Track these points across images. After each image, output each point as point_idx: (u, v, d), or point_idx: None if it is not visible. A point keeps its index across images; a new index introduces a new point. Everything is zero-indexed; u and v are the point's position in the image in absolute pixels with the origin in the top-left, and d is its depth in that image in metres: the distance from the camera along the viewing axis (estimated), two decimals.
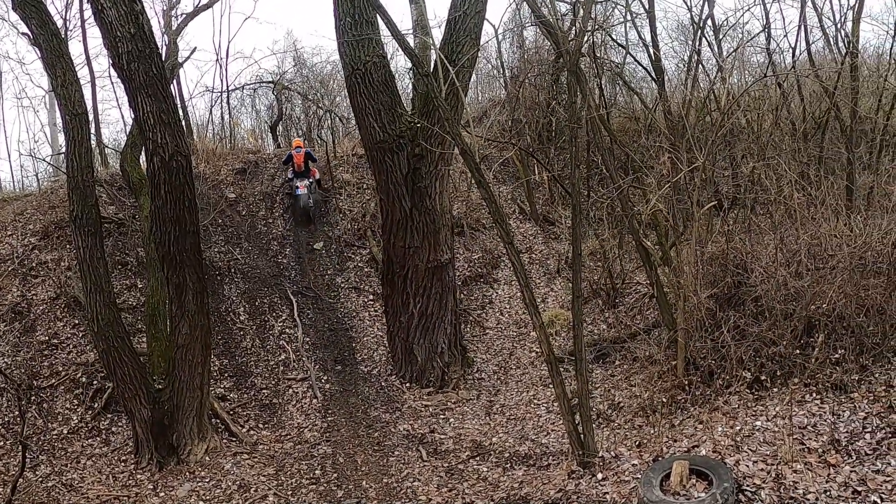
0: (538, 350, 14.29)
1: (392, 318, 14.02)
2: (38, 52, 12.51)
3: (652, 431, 9.89)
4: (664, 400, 10.58)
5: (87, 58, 22.84)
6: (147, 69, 10.54)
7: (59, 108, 12.02)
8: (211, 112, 26.27)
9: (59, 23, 19.84)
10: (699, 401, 10.17)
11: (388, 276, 13.98)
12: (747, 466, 7.86)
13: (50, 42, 11.64)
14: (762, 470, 7.78)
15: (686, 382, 10.56)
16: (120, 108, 32.93)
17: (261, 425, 12.86)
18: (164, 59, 13.04)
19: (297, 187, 18.84)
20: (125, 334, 11.66)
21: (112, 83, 24.78)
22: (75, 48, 24.91)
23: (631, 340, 13.09)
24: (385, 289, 14.27)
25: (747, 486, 7.62)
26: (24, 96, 41.63)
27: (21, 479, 10.34)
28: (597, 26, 16.39)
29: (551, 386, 12.51)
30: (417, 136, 12.85)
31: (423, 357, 13.53)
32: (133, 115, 11.10)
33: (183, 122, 11.91)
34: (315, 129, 26.12)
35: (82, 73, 17.03)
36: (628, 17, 17.62)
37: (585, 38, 12.39)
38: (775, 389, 9.44)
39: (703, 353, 10.49)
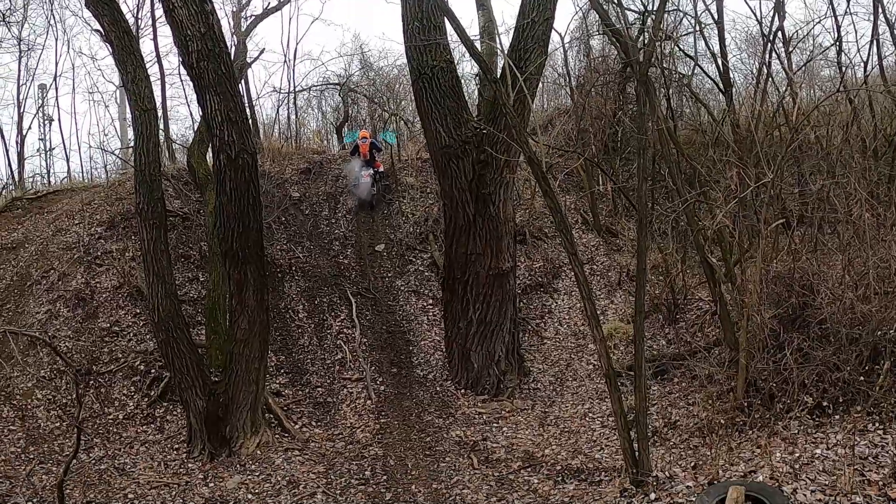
0: (596, 363, 14.08)
1: (450, 324, 13.91)
2: (109, 48, 12.65)
3: (708, 453, 9.59)
4: (722, 421, 10.30)
5: (158, 55, 23.21)
6: (216, 68, 10.62)
7: (128, 104, 12.20)
8: (278, 112, 26.41)
9: (131, 20, 20.25)
10: (758, 424, 9.85)
11: (448, 281, 13.88)
12: (805, 496, 7.58)
13: (121, 39, 11.82)
14: (820, 500, 7.49)
15: (745, 404, 10.25)
16: (188, 105, 33.37)
17: (314, 423, 12.85)
18: (232, 58, 13.14)
19: (361, 175, 19.16)
20: (184, 326, 11.77)
21: (181, 80, 25.11)
22: (146, 46, 25.24)
23: (690, 358, 12.68)
24: (445, 294, 14.17)
25: None
26: (95, 91, 42.53)
27: (74, 461, 10.42)
28: (665, 36, 16.09)
29: (607, 400, 12.22)
30: (483, 142, 12.75)
31: (479, 364, 13.39)
32: (201, 113, 11.22)
33: (250, 121, 11.99)
34: (380, 132, 26.12)
35: (152, 71, 17.40)
36: (697, 28, 17.25)
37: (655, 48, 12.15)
38: (837, 417, 9.11)
39: (765, 374, 10.15)
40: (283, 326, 15.56)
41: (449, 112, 12.89)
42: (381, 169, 19.84)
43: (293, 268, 17.25)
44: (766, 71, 16.76)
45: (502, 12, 59.50)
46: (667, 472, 8.99)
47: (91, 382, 13.64)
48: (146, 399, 13.42)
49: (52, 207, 19.13)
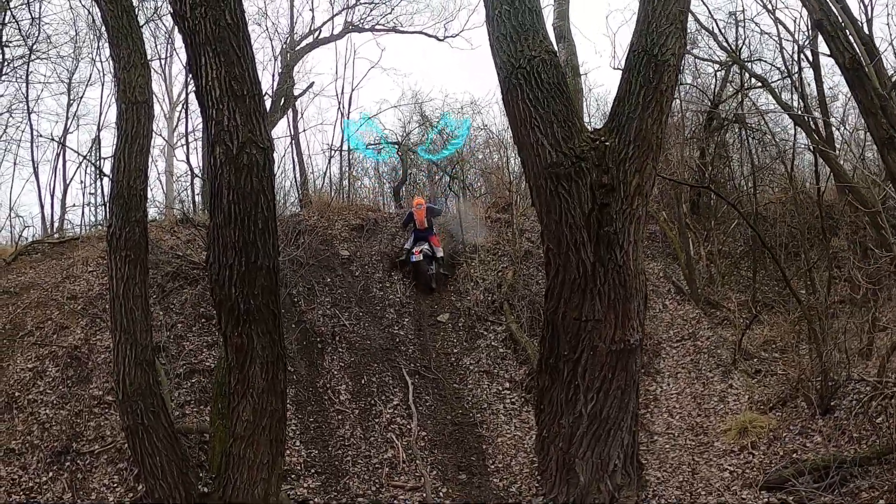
0: (732, 468, 9.77)
1: (548, 420, 9.09)
2: (106, 34, 9.23)
3: None
4: None
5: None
6: (217, 17, 6.46)
7: (116, 96, 8.69)
8: (329, 163, 22.79)
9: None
10: None
11: (548, 359, 9.05)
12: None
13: (119, 19, 8.63)
14: None
15: None
16: None
17: None
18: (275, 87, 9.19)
19: (413, 253, 15.07)
20: (163, 409, 7.65)
21: None
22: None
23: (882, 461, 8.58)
24: (542, 378, 9.33)
25: None
26: None
27: None
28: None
29: None
30: (606, 158, 8.24)
31: (587, 476, 8.58)
32: (195, 88, 6.91)
33: (265, 104, 7.83)
34: (441, 196, 22.97)
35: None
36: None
37: None
38: None
39: None
40: (318, 410, 11.46)
41: (556, 117, 8.39)
42: (440, 251, 15.51)
43: (337, 338, 13.08)
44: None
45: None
46: None
47: (67, 465, 10.12)
48: (131, 494, 9.68)
49: (71, 254, 15.60)
